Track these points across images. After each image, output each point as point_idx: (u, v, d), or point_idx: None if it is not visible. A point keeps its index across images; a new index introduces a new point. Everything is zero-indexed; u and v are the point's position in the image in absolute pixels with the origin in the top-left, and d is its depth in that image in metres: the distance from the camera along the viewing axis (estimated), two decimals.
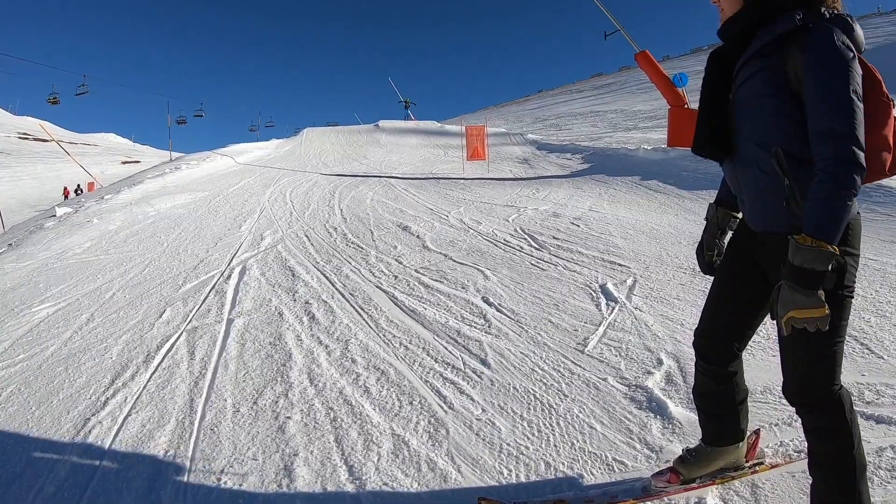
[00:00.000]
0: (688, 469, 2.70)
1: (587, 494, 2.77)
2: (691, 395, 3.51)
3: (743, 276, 2.47)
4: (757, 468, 2.83)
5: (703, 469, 2.72)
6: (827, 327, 1.94)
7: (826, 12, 2.09)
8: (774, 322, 2.06)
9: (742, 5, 2.24)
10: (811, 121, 2.02)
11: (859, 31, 2.10)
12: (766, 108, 2.16)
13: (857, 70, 1.99)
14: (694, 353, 2.73)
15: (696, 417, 3.17)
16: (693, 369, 3.84)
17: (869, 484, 2.35)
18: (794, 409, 2.31)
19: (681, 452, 2.81)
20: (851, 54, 1.98)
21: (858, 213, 2.12)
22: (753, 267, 2.40)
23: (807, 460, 2.30)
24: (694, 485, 2.71)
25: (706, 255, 2.73)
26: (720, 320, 2.57)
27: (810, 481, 2.31)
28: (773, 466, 2.85)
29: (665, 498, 2.68)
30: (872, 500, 2.38)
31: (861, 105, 1.96)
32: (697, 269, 5.95)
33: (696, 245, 2.81)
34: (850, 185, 1.92)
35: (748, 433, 2.80)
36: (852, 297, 2.14)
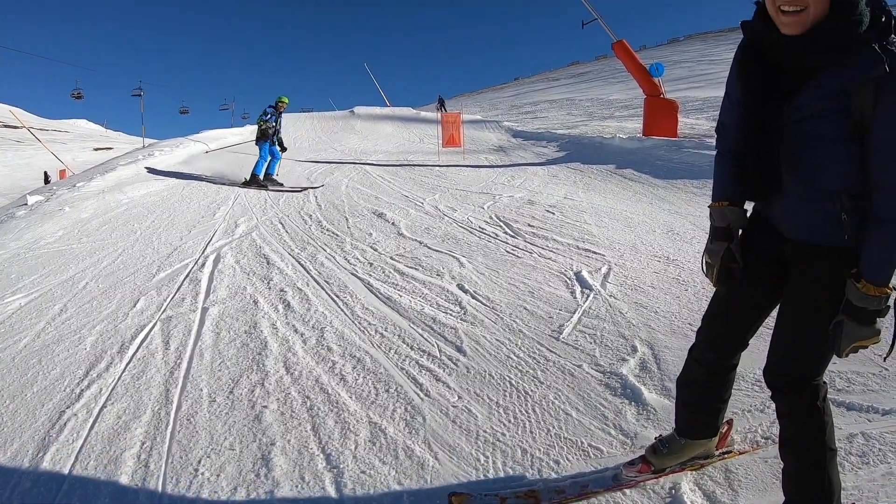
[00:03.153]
0: (659, 460, 2.71)
1: (559, 485, 2.79)
2: (665, 383, 3.59)
3: (760, 272, 2.37)
4: (726, 456, 2.88)
5: (675, 460, 2.73)
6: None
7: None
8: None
9: (827, 12, 1.93)
10: (879, 170, 1.94)
11: None
12: (831, 154, 2.01)
13: None
14: (696, 340, 2.62)
15: (670, 404, 3.23)
16: (667, 356, 3.91)
17: (840, 469, 2.40)
18: (768, 393, 2.35)
19: (653, 441, 2.82)
20: None
21: None
22: (769, 262, 2.34)
23: (777, 445, 2.36)
24: (664, 473, 2.74)
25: (734, 265, 2.38)
26: (735, 315, 2.47)
27: (782, 465, 2.35)
28: (741, 453, 2.91)
29: (640, 485, 2.72)
30: (844, 485, 2.45)
31: None
32: (671, 257, 6.08)
33: (706, 254, 2.48)
34: None
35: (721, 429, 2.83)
36: None
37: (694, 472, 2.77)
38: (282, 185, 13.41)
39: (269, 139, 14.23)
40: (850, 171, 1.99)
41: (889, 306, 2.00)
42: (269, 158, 14.02)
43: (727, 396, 2.67)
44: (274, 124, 14.34)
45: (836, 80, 1.93)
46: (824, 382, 2.27)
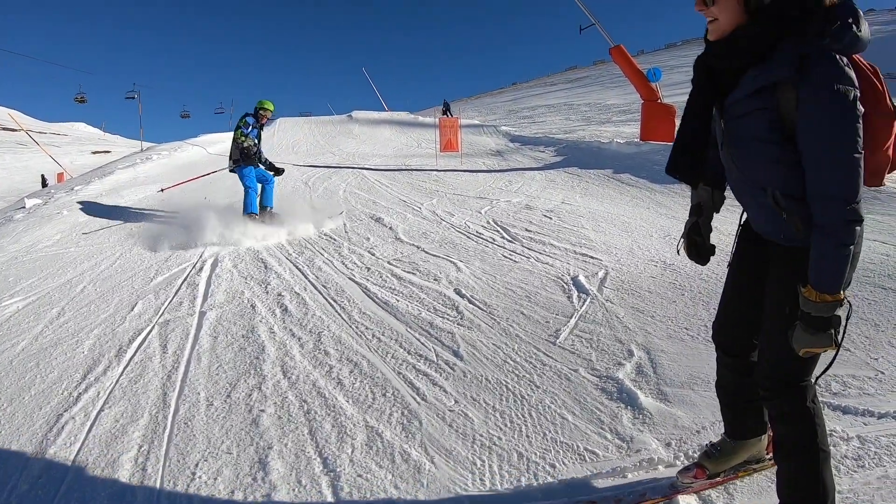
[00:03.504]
0: (713, 464, 2.74)
1: (617, 494, 2.79)
2: (662, 387, 3.61)
3: (754, 269, 2.45)
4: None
5: (728, 463, 2.76)
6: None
7: (826, 33, 1.95)
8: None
9: (744, 20, 2.08)
10: (811, 181, 2.01)
11: (865, 30, 1.99)
12: (763, 153, 2.13)
13: (859, 111, 1.93)
14: (714, 348, 2.72)
15: (667, 408, 3.29)
16: (664, 361, 3.94)
17: (836, 472, 2.42)
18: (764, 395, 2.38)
19: (706, 446, 2.84)
20: (852, 92, 1.91)
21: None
22: (762, 260, 2.39)
23: (772, 449, 2.38)
24: (719, 479, 2.76)
25: (699, 239, 2.65)
26: (736, 313, 2.57)
27: (776, 469, 2.39)
28: None
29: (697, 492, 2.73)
30: (840, 488, 2.47)
31: (861, 156, 1.94)
32: (668, 261, 6.08)
33: (685, 230, 2.70)
34: (850, 242, 1.98)
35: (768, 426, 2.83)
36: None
37: (708, 479, 2.78)
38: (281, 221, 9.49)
39: (253, 161, 10.23)
40: (782, 172, 2.10)
41: (838, 316, 2.02)
42: (258, 188, 10.32)
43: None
44: (255, 140, 10.36)
45: (754, 82, 2.08)
46: (813, 384, 2.30)
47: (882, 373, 3.68)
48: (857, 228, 1.98)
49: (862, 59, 2.09)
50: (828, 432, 2.37)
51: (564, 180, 12.84)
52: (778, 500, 2.36)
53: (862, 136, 1.93)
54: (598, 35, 19.41)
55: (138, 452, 3.24)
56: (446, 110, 36.55)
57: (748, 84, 2.10)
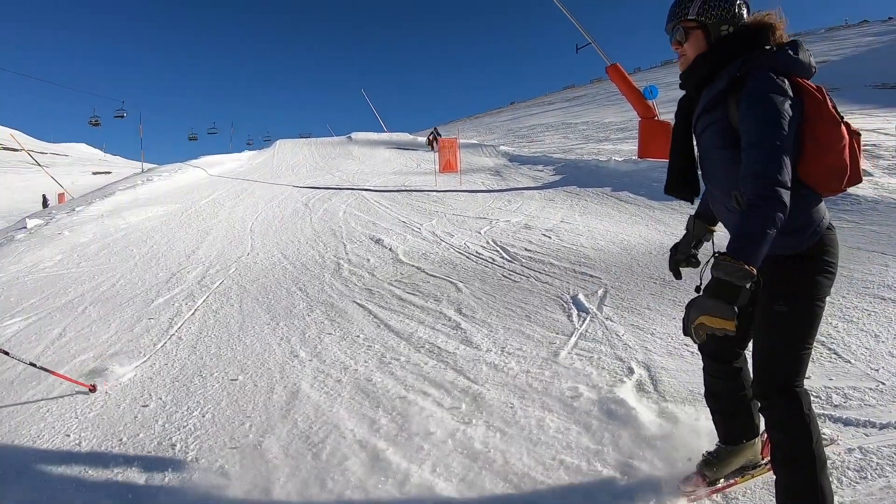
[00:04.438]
0: (712, 470, 2.81)
1: None
2: (662, 404, 3.62)
3: None
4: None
5: (726, 469, 2.83)
6: (733, 334, 2.12)
7: (764, 55, 2.32)
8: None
9: (705, 50, 2.46)
10: (742, 164, 2.21)
11: (803, 56, 2.31)
12: (720, 159, 2.42)
13: (786, 112, 2.17)
14: (701, 357, 2.87)
15: (668, 425, 3.31)
16: (664, 378, 3.95)
17: (838, 484, 2.44)
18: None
19: (703, 456, 2.89)
20: (780, 98, 2.19)
21: (831, 227, 2.39)
22: None
23: (770, 457, 2.45)
24: (719, 485, 2.82)
25: (677, 258, 2.98)
26: None
27: (774, 478, 2.42)
28: None
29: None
30: (842, 500, 2.51)
31: (786, 146, 2.15)
32: (668, 279, 6.10)
33: (671, 247, 3.03)
34: (768, 218, 2.09)
35: (762, 430, 2.87)
36: (823, 308, 2.34)
37: (709, 487, 2.80)
38: None
39: None
40: (738, 172, 2.26)
41: (746, 290, 2.07)
42: None
43: (752, 395, 2.74)
44: None
45: (707, 98, 2.43)
46: (807, 392, 2.37)
47: (883, 384, 3.69)
48: (777, 212, 2.09)
49: (806, 82, 2.30)
50: (827, 442, 2.40)
51: (563, 199, 12.90)
52: None
53: (788, 131, 2.17)
54: (595, 54, 19.58)
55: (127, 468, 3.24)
56: (434, 139, 32.84)
57: (703, 101, 2.46)
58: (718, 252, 2.17)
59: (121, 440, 3.59)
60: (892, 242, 6.90)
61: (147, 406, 4.06)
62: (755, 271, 2.07)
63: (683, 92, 2.64)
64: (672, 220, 9.72)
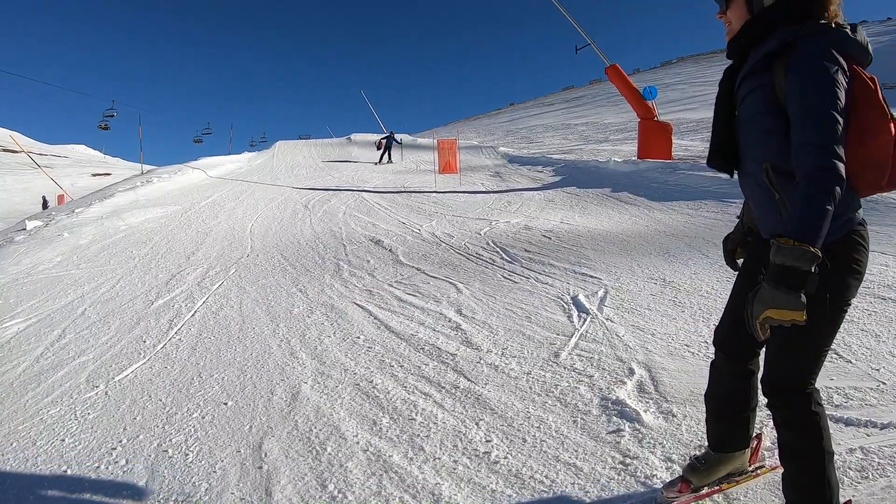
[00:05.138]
0: (698, 477, 2.74)
1: None
2: (663, 405, 3.61)
3: (758, 276, 2.43)
4: (759, 471, 2.90)
5: (712, 476, 2.77)
6: (803, 324, 1.98)
7: (818, 26, 2.16)
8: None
9: (749, 20, 2.32)
10: (793, 134, 2.08)
11: (861, 38, 2.19)
12: (759, 125, 2.25)
13: (841, 82, 2.04)
14: (714, 352, 2.76)
15: (668, 426, 3.30)
16: (664, 378, 3.94)
17: (839, 484, 2.43)
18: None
19: (689, 461, 2.86)
20: (835, 67, 2.05)
21: (863, 223, 2.26)
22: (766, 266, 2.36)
23: (778, 452, 2.42)
24: (703, 492, 2.76)
25: (729, 247, 2.76)
26: (739, 316, 2.47)
27: (782, 471, 2.39)
28: (773, 468, 2.89)
29: None
30: (843, 500, 2.48)
31: (841, 118, 2.01)
32: (668, 279, 6.11)
33: (724, 238, 2.83)
34: (827, 191, 1.96)
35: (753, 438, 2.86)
36: (847, 311, 2.23)
37: (693, 493, 2.78)
38: None
39: None
40: (775, 143, 2.20)
41: (813, 274, 1.94)
42: None
43: (754, 405, 2.72)
44: None
45: (752, 60, 2.29)
46: (817, 389, 2.32)
47: (884, 383, 3.68)
48: (835, 185, 1.97)
49: (859, 67, 2.17)
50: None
51: (563, 200, 12.91)
52: (784, 502, 2.39)
53: (843, 103, 2.03)
54: (594, 55, 19.64)
55: (126, 465, 3.24)
56: (386, 146, 27.83)
57: (748, 64, 2.31)
58: (776, 234, 2.03)
59: (121, 442, 3.59)
60: (892, 242, 6.90)
61: (147, 408, 4.05)
62: (820, 252, 1.94)
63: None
64: (672, 221, 9.72)
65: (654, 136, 17.04)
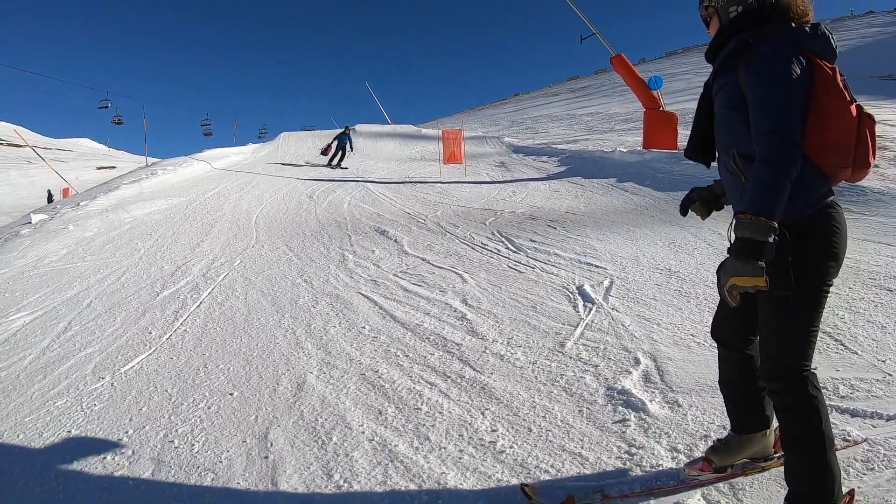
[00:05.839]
0: (719, 457, 2.80)
1: (629, 484, 2.85)
2: (669, 394, 3.61)
3: None
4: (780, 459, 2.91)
5: (734, 457, 2.82)
6: (766, 289, 2.15)
7: (776, 26, 2.37)
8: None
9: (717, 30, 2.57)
10: (752, 123, 2.28)
11: (821, 34, 2.35)
12: (727, 118, 2.47)
13: (794, 72, 2.22)
14: (716, 345, 2.86)
15: (674, 415, 3.33)
16: (670, 368, 3.94)
17: (845, 475, 2.44)
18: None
19: (712, 442, 2.91)
20: (788, 62, 2.23)
21: (835, 206, 2.36)
22: None
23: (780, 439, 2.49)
24: (726, 473, 2.80)
25: (691, 195, 2.99)
26: (730, 308, 2.54)
27: (783, 458, 2.44)
28: None
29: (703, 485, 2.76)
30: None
31: (795, 104, 2.20)
32: (673, 269, 6.10)
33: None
34: (778, 170, 2.14)
35: (774, 423, 2.86)
36: (828, 293, 2.33)
37: (714, 473, 2.79)
38: None
39: None
40: (740, 132, 2.38)
41: (770, 244, 2.11)
42: None
43: (763, 386, 2.74)
44: None
45: (720, 61, 2.49)
46: (814, 373, 2.37)
47: (890, 375, 3.66)
48: (788, 165, 2.15)
49: (821, 60, 2.32)
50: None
51: (568, 190, 12.86)
52: (786, 495, 2.41)
53: (797, 93, 2.21)
54: (599, 45, 19.50)
55: (133, 455, 3.25)
56: (338, 147, 23.12)
57: (717, 63, 2.51)
58: (737, 211, 2.22)
59: (127, 433, 3.60)
60: None
61: (153, 399, 4.07)
62: (776, 224, 2.11)
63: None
64: (677, 211, 9.60)
65: (660, 127, 16.94)
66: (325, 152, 23.32)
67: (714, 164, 2.73)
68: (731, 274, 2.15)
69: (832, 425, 2.71)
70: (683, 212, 3.02)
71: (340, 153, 23.00)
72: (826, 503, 2.30)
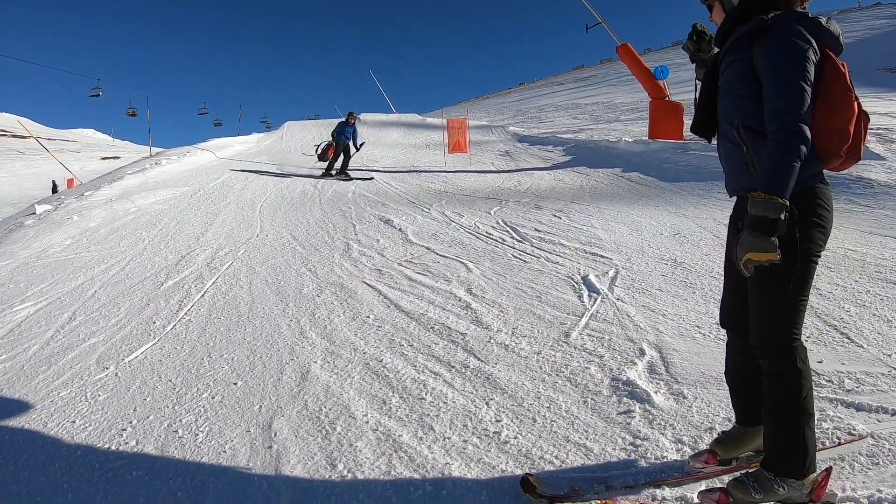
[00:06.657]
0: (724, 449, 2.81)
1: (629, 472, 2.86)
2: (674, 385, 3.60)
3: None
4: None
5: (738, 450, 2.84)
6: (778, 261, 2.25)
7: (795, 12, 2.41)
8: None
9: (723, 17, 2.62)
10: (765, 102, 2.34)
11: (832, 28, 2.39)
12: (733, 90, 2.52)
13: (811, 59, 2.30)
14: (726, 333, 2.90)
15: (679, 407, 3.33)
16: (675, 359, 3.93)
17: (850, 470, 2.44)
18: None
19: (717, 435, 2.93)
20: (806, 46, 2.30)
21: (824, 182, 2.47)
22: None
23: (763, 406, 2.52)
24: (731, 465, 2.80)
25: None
26: (734, 293, 2.73)
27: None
28: None
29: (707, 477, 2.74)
30: (854, 486, 2.51)
31: (808, 89, 2.28)
32: (679, 260, 6.08)
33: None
34: (792, 150, 2.23)
35: None
36: (817, 263, 2.45)
37: (720, 465, 2.79)
38: None
39: None
40: (746, 104, 2.46)
41: (782, 221, 2.22)
42: None
43: None
44: None
45: (734, 39, 2.53)
46: (804, 347, 2.46)
47: (895, 369, 3.65)
48: (800, 145, 2.24)
49: (832, 53, 2.39)
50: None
51: (573, 180, 12.85)
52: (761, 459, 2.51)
53: (811, 77, 2.29)
54: (605, 34, 19.44)
55: (137, 443, 3.25)
56: (338, 155, 16.92)
57: (729, 42, 2.56)
58: (751, 190, 2.29)
59: (131, 423, 3.60)
60: None
61: (157, 389, 4.07)
62: (787, 202, 2.21)
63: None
64: (683, 202, 9.65)
65: (666, 117, 16.87)
66: (322, 156, 17.29)
67: (715, 141, 2.79)
68: (747, 249, 2.25)
69: (836, 419, 2.70)
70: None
71: (343, 156, 17.00)
72: (798, 474, 2.39)
